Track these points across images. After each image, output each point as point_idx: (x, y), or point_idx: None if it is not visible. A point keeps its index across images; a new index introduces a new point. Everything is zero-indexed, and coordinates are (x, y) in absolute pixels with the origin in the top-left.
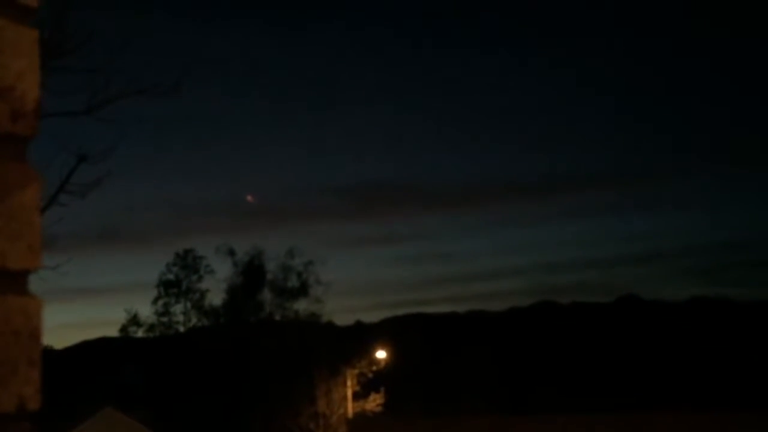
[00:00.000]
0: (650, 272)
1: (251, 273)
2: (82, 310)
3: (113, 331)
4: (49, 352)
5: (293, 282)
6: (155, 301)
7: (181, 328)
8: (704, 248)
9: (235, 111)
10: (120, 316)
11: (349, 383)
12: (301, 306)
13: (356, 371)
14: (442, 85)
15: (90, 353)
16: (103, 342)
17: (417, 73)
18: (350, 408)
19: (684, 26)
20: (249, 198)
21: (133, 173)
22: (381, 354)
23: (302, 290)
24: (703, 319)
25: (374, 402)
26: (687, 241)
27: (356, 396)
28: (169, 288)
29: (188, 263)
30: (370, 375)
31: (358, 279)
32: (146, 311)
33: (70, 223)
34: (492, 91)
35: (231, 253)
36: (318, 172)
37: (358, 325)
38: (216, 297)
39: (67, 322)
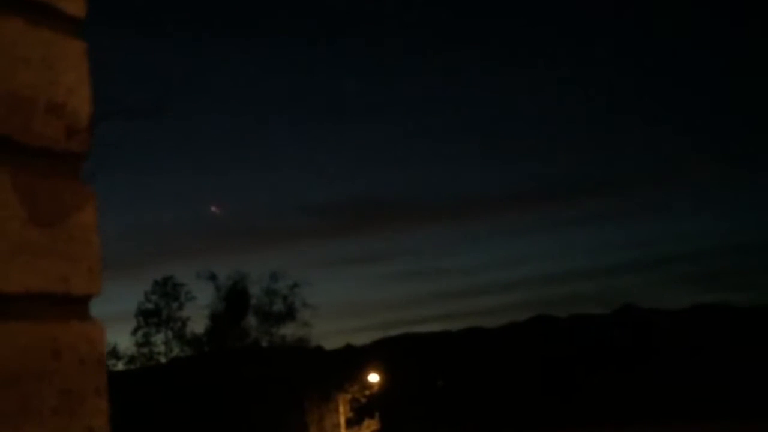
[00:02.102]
0: (648, 280)
1: (234, 298)
2: None
3: None
4: None
5: (279, 306)
6: (135, 332)
7: (163, 359)
8: (703, 254)
9: (212, 131)
10: None
11: (341, 409)
12: (288, 331)
13: (348, 396)
14: (426, 97)
15: None
16: None
17: (401, 87)
18: None
19: (682, 25)
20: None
21: (108, 198)
22: (374, 377)
23: (288, 314)
24: (705, 326)
25: (368, 428)
26: (685, 247)
27: (350, 423)
28: (149, 317)
29: (168, 291)
30: (364, 400)
31: (346, 300)
32: (125, 342)
33: None
34: (479, 102)
35: (212, 277)
36: (300, 191)
37: (349, 348)
38: (198, 325)
39: None
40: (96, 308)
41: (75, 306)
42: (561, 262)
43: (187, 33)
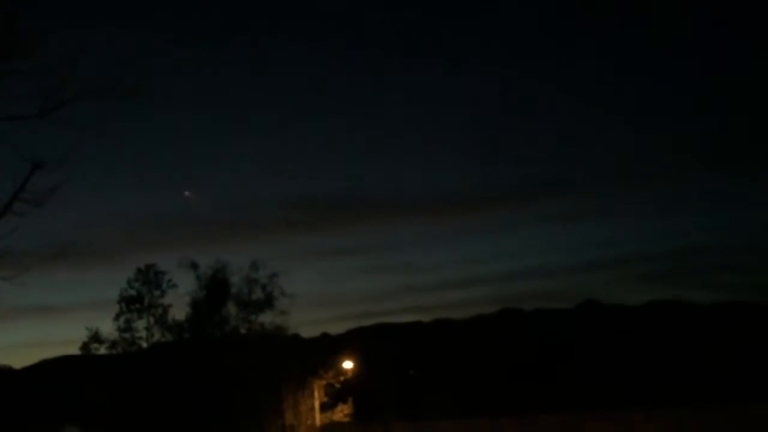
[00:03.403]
0: (610, 278)
1: (215, 287)
2: (41, 328)
3: (74, 350)
4: (8, 372)
5: (258, 295)
6: (117, 318)
7: (144, 344)
8: (662, 253)
9: (195, 123)
10: (81, 334)
11: (316, 394)
12: (267, 319)
13: (324, 382)
14: (406, 95)
15: (51, 372)
16: (64, 360)
17: (381, 84)
18: (318, 419)
19: (665, 27)
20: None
21: (91, 186)
22: (348, 364)
23: (267, 303)
24: (662, 321)
25: (342, 412)
26: (646, 246)
27: (324, 407)
28: (131, 304)
29: (150, 278)
30: (338, 385)
31: (323, 291)
32: (108, 328)
33: (26, 239)
34: (456, 101)
35: (194, 266)
36: (280, 184)
37: (324, 336)
38: (180, 312)
39: (26, 342)
40: (78, 294)
41: None
42: (527, 259)
43: (176, 24)
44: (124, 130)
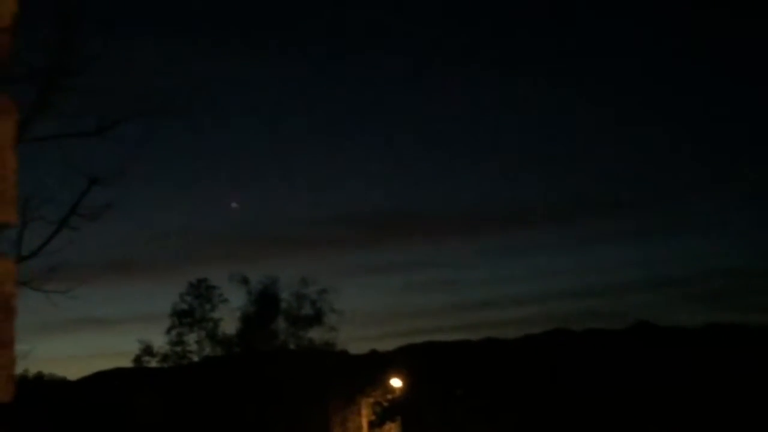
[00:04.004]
0: (664, 298)
1: (265, 301)
2: (95, 340)
3: (127, 362)
4: (63, 383)
5: (307, 310)
6: (169, 331)
7: (195, 358)
8: (720, 273)
9: (246, 138)
10: (133, 347)
11: (364, 412)
12: (316, 335)
13: (371, 400)
14: (452, 111)
15: (105, 383)
16: (117, 372)
17: (428, 100)
18: None
19: (700, 40)
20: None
21: (145, 201)
22: (396, 382)
23: (316, 319)
24: (721, 345)
25: (390, 431)
26: (702, 266)
27: (372, 425)
28: (183, 317)
29: (202, 292)
30: (386, 404)
31: (372, 307)
32: (160, 341)
33: (82, 252)
34: (505, 116)
35: (244, 281)
36: (329, 201)
37: (373, 353)
38: (230, 326)
39: (80, 353)
40: (131, 307)
41: None
42: (577, 278)
43: (219, 38)
44: (177, 144)
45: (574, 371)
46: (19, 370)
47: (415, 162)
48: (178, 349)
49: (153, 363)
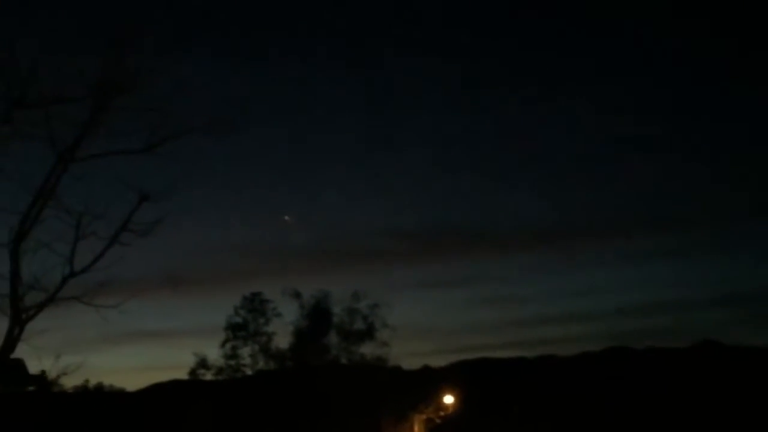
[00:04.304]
0: (730, 317)
1: (317, 316)
2: (151, 352)
3: (182, 374)
4: (122, 395)
5: (359, 325)
6: (223, 344)
7: (249, 371)
8: None
9: (297, 151)
10: (188, 359)
11: (416, 428)
12: (368, 349)
13: (424, 417)
14: (508, 126)
15: (162, 395)
16: (174, 384)
17: (486, 116)
18: None
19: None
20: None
21: (198, 215)
22: (449, 399)
23: (368, 333)
24: None
25: None
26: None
27: None
28: (237, 331)
29: (255, 306)
30: (438, 420)
31: (424, 323)
32: (214, 354)
33: (137, 266)
34: (560, 132)
35: (297, 295)
36: (382, 214)
37: (426, 369)
38: (283, 340)
39: (138, 365)
40: (188, 320)
41: None
42: (636, 294)
43: (265, 52)
44: (232, 159)
45: (634, 389)
46: (79, 380)
47: (471, 175)
48: (233, 362)
49: (208, 376)
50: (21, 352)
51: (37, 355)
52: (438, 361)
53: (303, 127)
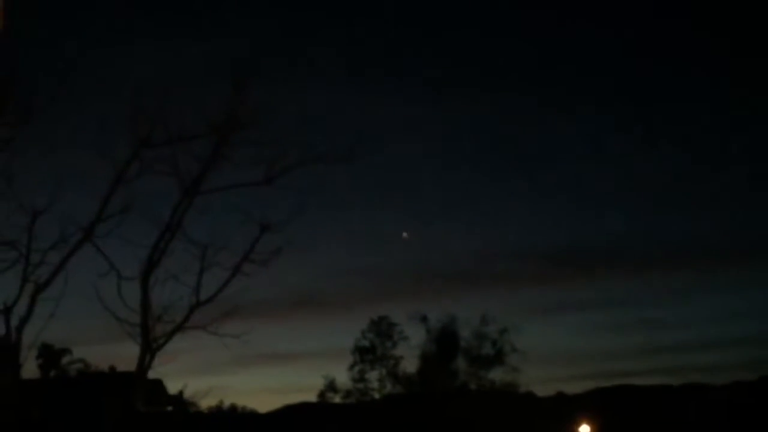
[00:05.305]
0: None
1: (444, 340)
2: (281, 374)
3: (311, 396)
4: (254, 416)
5: (488, 350)
6: (351, 368)
7: (377, 395)
8: None
9: (420, 174)
10: (316, 381)
11: None
12: (497, 375)
13: None
14: (636, 149)
15: (292, 417)
16: (303, 407)
17: (614, 138)
18: None
19: None
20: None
21: (323, 239)
22: (585, 429)
23: (497, 358)
24: None
25: None
26: None
27: None
28: (365, 354)
29: (382, 330)
30: None
31: (558, 347)
32: (342, 377)
33: (266, 290)
34: (703, 149)
35: (423, 319)
36: (511, 236)
37: (560, 396)
38: (410, 364)
39: (268, 387)
40: (315, 343)
41: None
42: None
43: (378, 80)
44: (354, 184)
45: None
46: (213, 401)
47: (607, 195)
48: (361, 386)
49: (336, 399)
50: (159, 372)
51: (175, 377)
52: (572, 388)
53: (422, 151)
